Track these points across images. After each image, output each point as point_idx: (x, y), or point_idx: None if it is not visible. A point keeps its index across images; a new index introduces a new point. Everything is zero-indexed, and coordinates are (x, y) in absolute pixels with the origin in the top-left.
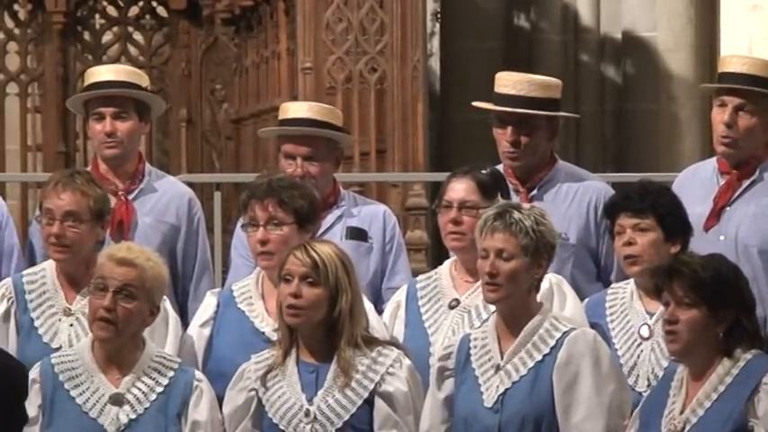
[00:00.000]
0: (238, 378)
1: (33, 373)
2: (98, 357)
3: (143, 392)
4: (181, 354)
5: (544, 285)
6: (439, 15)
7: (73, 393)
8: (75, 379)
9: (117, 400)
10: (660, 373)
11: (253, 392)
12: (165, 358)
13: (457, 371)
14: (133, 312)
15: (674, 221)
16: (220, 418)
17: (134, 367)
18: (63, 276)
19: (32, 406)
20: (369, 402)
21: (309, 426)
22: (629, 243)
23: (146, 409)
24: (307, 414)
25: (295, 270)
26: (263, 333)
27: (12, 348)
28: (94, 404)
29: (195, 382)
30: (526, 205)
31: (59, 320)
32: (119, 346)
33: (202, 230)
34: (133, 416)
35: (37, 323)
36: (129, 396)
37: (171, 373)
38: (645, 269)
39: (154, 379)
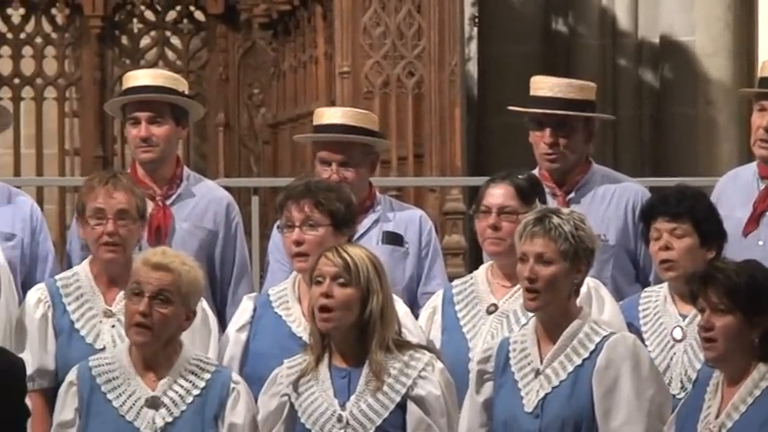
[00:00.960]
0: (271, 383)
1: (71, 376)
2: (135, 361)
3: (179, 395)
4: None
5: (582, 290)
6: (476, 20)
7: (110, 396)
8: (112, 382)
9: (153, 404)
10: (693, 376)
11: (285, 398)
12: (201, 361)
13: (496, 374)
14: (169, 317)
15: (710, 227)
16: (257, 421)
17: (171, 370)
18: (101, 278)
19: (69, 409)
20: (401, 406)
21: (342, 431)
22: (666, 248)
23: (182, 411)
24: (339, 419)
25: (326, 271)
26: (300, 337)
27: (51, 351)
28: (131, 407)
29: (232, 384)
30: (565, 210)
31: (100, 322)
32: (155, 350)
33: (240, 235)
34: (170, 419)
35: (78, 325)
36: (165, 399)
37: (207, 376)
38: (680, 274)
39: (190, 381)
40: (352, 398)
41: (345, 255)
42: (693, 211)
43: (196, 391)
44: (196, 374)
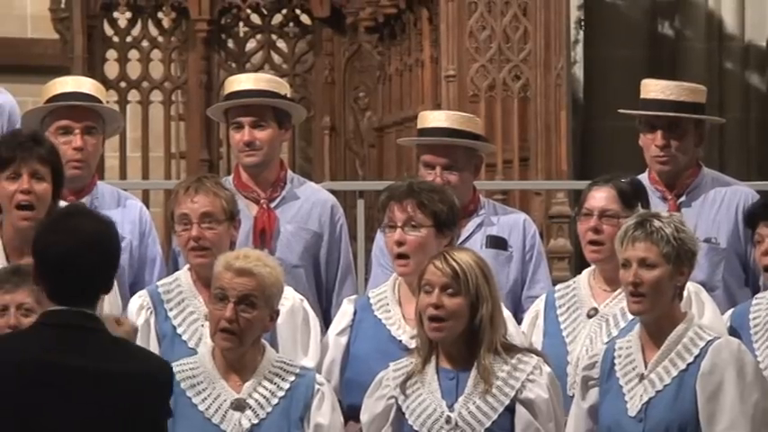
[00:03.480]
0: (376, 386)
1: None
2: (219, 364)
3: (265, 397)
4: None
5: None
6: (583, 23)
7: (195, 401)
8: (197, 386)
9: (239, 406)
10: None
11: (392, 400)
12: (285, 363)
13: (601, 380)
14: (254, 321)
15: None
16: (342, 420)
17: (255, 372)
18: (200, 282)
19: None
20: (510, 409)
21: None
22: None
23: (268, 413)
24: (448, 421)
25: (435, 281)
26: (400, 341)
27: None
28: (217, 410)
29: (316, 386)
30: (665, 214)
31: (201, 326)
32: (241, 352)
33: (345, 237)
34: (255, 420)
35: (180, 330)
36: (250, 401)
37: (292, 378)
38: None
39: (275, 383)
40: (461, 399)
41: (454, 263)
42: None
43: (281, 393)
44: (280, 376)
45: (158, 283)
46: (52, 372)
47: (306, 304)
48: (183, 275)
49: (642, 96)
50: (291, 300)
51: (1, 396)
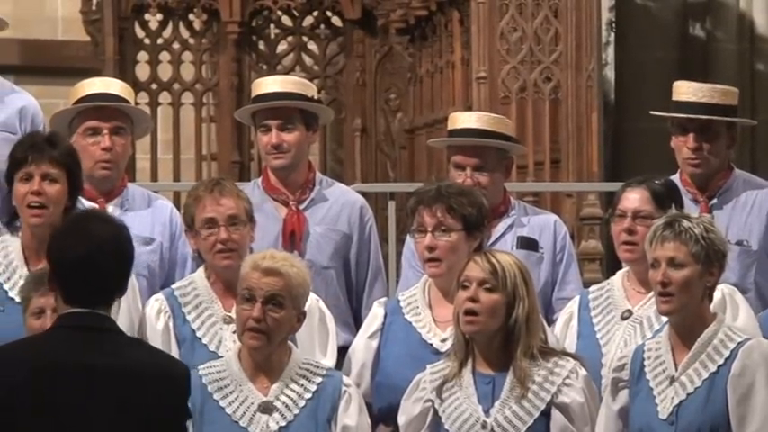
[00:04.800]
0: (414, 388)
1: None
2: (246, 366)
3: (292, 399)
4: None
5: (716, 296)
6: (614, 25)
7: (222, 403)
8: (224, 389)
9: (266, 408)
10: None
11: (428, 403)
12: (311, 365)
13: (631, 382)
14: (282, 321)
15: None
16: (369, 422)
17: (282, 374)
18: (217, 284)
19: None
20: (545, 414)
21: None
22: None
23: (295, 415)
24: (483, 426)
25: (474, 276)
26: (431, 344)
27: None
28: (244, 413)
29: (343, 387)
30: (694, 214)
31: (221, 329)
32: (268, 353)
33: (375, 238)
34: (283, 423)
35: (199, 333)
36: (278, 403)
37: (319, 379)
38: None
39: (302, 385)
40: (497, 404)
41: (494, 260)
42: None
43: (308, 395)
44: (307, 378)
45: (174, 287)
46: (71, 373)
47: (321, 304)
48: (199, 278)
49: (674, 98)
50: (308, 300)
51: (21, 399)
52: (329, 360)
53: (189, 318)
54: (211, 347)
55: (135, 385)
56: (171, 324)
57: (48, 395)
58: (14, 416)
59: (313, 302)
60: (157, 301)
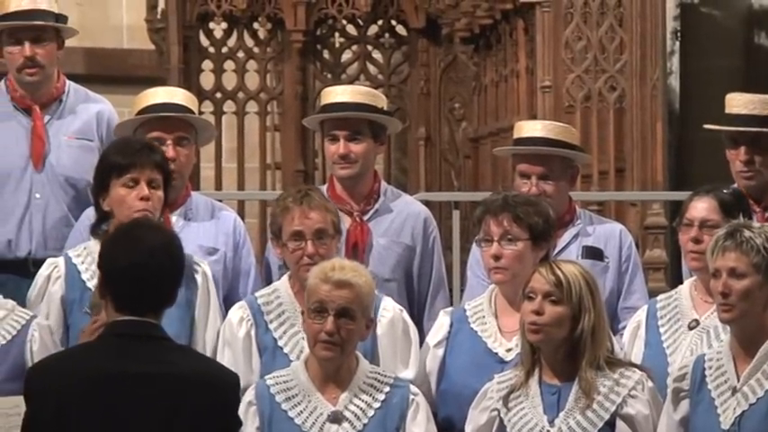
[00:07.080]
0: (481, 397)
1: (249, 396)
2: (314, 376)
3: (361, 409)
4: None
5: None
6: (679, 34)
7: (291, 414)
8: (292, 399)
9: (336, 418)
10: None
11: (495, 412)
12: (379, 374)
13: (692, 392)
14: (355, 331)
15: None
16: (435, 431)
17: (350, 384)
18: (301, 294)
19: (251, 429)
20: (610, 425)
21: None
22: None
23: (365, 425)
24: None
25: (539, 288)
26: (496, 353)
27: (256, 370)
28: (313, 423)
29: (411, 396)
30: (756, 224)
31: (302, 338)
32: (339, 364)
33: (438, 249)
34: None
35: (281, 342)
36: (347, 413)
37: (387, 389)
38: None
39: (371, 395)
40: (561, 414)
41: (559, 272)
42: None
43: (377, 405)
44: (376, 387)
45: (257, 295)
46: (122, 380)
47: (405, 315)
48: (283, 286)
49: (726, 111)
50: (392, 311)
51: (73, 406)
52: (410, 372)
53: (271, 327)
54: (293, 356)
55: (183, 394)
56: (253, 332)
57: (97, 404)
58: (65, 425)
59: (397, 313)
60: (240, 309)
